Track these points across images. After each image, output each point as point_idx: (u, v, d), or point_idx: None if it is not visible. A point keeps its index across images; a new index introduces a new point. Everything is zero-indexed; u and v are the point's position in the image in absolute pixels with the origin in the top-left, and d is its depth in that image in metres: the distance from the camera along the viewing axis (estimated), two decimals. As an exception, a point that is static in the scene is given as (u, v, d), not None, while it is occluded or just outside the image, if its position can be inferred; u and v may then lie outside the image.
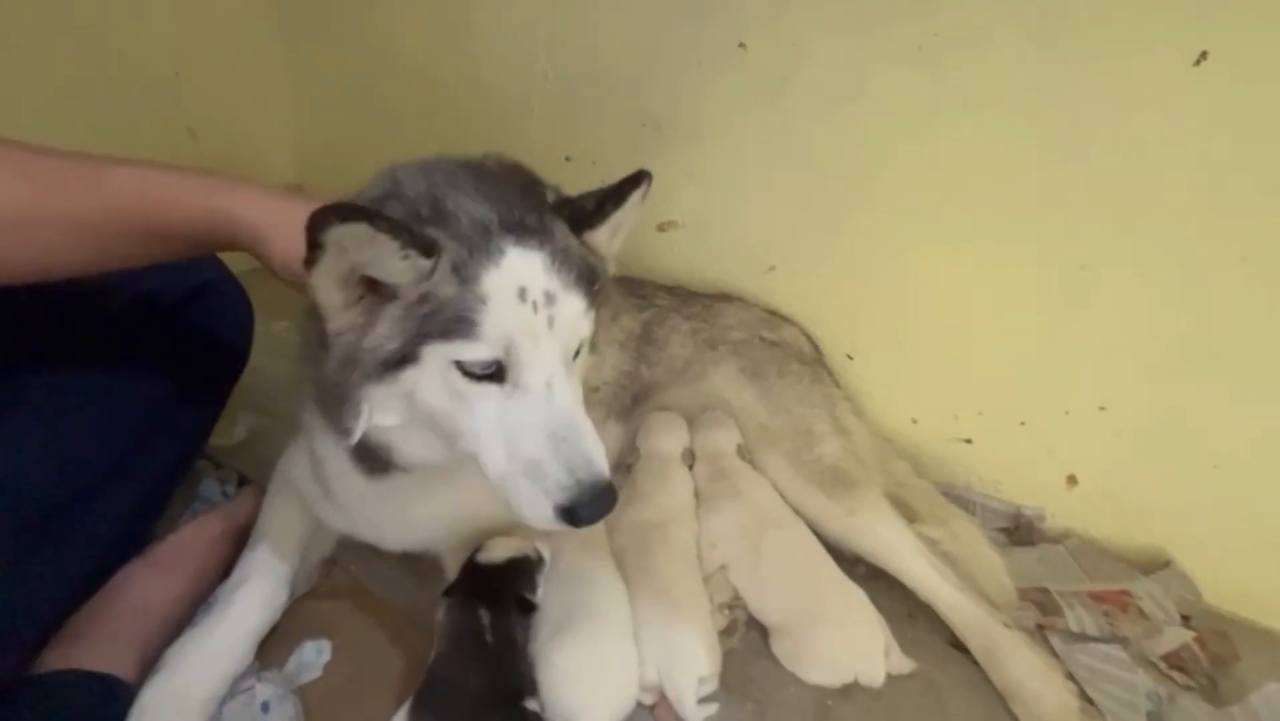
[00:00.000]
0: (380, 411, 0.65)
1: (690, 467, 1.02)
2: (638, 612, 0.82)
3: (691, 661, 0.77)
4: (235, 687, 0.77)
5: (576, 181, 0.76)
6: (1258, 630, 1.00)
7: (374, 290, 0.61)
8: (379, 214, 0.56)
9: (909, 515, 1.01)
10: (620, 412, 1.09)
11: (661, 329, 1.15)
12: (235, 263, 1.04)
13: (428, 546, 0.88)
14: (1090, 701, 0.86)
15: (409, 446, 0.70)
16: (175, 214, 0.68)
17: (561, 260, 0.63)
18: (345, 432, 0.66)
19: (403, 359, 0.61)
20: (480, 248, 0.60)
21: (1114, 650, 0.93)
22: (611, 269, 0.75)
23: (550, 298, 0.62)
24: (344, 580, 0.95)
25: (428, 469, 0.73)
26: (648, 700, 0.78)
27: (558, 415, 0.62)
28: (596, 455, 0.62)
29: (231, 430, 1.18)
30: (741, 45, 1.12)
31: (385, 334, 0.61)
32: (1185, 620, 0.98)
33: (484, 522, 0.84)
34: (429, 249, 0.58)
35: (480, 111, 1.45)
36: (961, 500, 1.17)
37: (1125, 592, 1.01)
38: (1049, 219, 0.98)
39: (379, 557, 0.93)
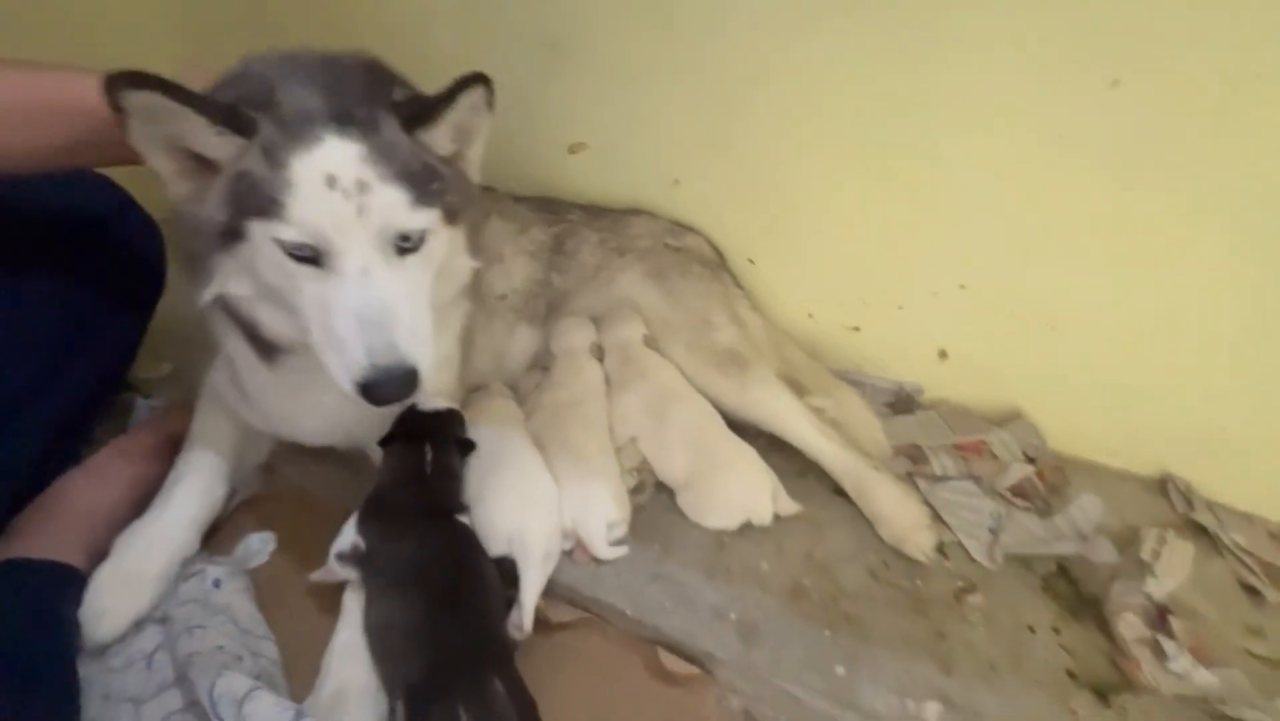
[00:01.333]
0: (231, 281, 0.69)
1: (601, 361, 1.12)
2: (555, 473, 0.91)
3: (601, 508, 0.89)
4: (186, 571, 0.83)
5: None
6: (1088, 464, 1.19)
7: (207, 165, 0.64)
8: (176, 86, 0.59)
9: (800, 391, 1.13)
10: (533, 318, 1.16)
11: (572, 240, 1.22)
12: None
13: (346, 438, 0.92)
14: (944, 524, 1.03)
15: (267, 318, 0.73)
16: (68, 102, 0.68)
17: (383, 153, 0.65)
18: (198, 297, 0.70)
19: (234, 232, 0.65)
20: (294, 133, 0.62)
21: (968, 485, 1.09)
22: (475, 176, 0.79)
23: (363, 186, 0.63)
24: (282, 484, 1.01)
25: (297, 347, 0.75)
26: (567, 545, 0.89)
27: (371, 301, 0.65)
28: (403, 343, 0.65)
29: (158, 365, 1.21)
30: (626, -41, 1.16)
31: (214, 206, 0.65)
32: (1030, 460, 1.15)
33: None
34: (246, 128, 0.61)
35: (385, 35, 1.41)
36: (854, 382, 1.28)
37: (982, 441, 1.17)
38: (907, 116, 1.07)
39: (314, 460, 0.99)
